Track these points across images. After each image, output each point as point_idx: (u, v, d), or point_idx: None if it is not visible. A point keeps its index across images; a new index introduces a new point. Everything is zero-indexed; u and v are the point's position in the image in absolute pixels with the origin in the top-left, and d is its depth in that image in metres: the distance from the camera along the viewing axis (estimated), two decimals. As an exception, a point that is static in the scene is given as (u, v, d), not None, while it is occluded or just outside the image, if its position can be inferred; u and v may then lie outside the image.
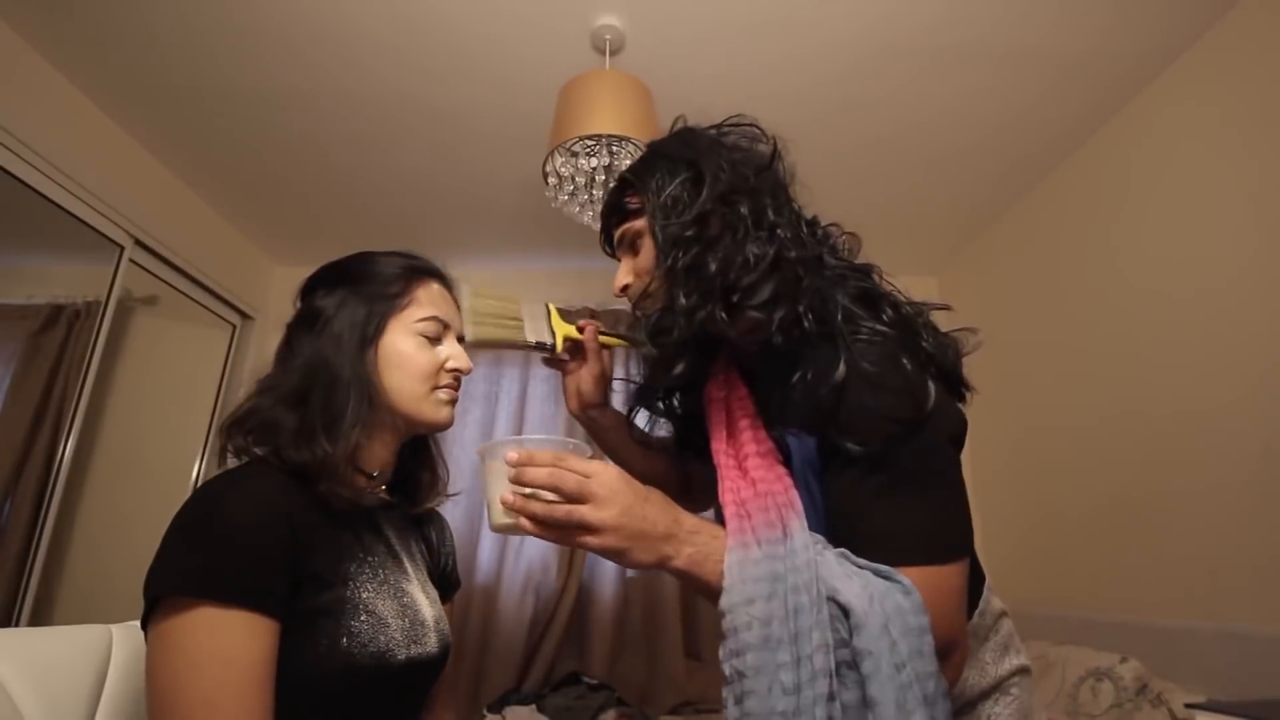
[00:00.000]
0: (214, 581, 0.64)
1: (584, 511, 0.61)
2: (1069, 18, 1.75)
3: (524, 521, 0.62)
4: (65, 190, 2.06)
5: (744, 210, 0.76)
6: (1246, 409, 1.65)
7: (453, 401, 0.87)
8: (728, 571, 0.64)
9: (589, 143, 1.65)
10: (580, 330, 0.95)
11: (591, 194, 1.75)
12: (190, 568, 0.65)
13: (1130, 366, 2.02)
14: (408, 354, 0.82)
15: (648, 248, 0.81)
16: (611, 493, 0.62)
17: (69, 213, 2.09)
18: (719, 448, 0.80)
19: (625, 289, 0.84)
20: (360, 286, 0.84)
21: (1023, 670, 0.79)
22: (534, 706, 2.48)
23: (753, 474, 0.74)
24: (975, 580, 0.77)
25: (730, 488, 0.74)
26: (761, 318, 0.73)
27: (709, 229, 0.76)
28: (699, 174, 0.78)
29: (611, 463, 0.65)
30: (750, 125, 0.83)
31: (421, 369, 0.83)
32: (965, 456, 0.73)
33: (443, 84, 2.05)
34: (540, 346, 0.92)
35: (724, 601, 0.63)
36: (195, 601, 0.63)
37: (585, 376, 0.95)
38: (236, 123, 2.24)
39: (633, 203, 0.83)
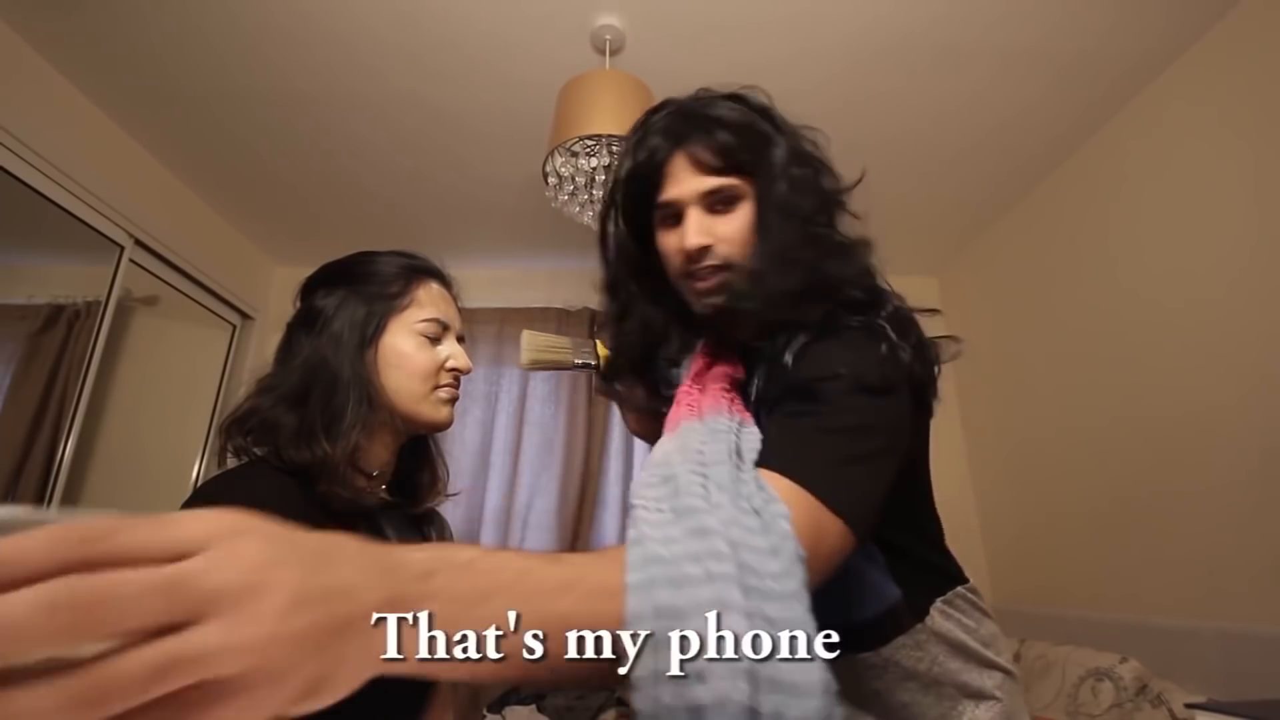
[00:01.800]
0: None
1: (208, 633, 0.26)
2: (1069, 18, 1.75)
3: None
4: (65, 190, 2.06)
5: (835, 206, 0.78)
6: (1247, 409, 1.65)
7: (453, 401, 0.86)
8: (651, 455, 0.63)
9: (589, 143, 1.65)
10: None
11: (591, 194, 1.75)
12: None
13: (1131, 366, 2.02)
14: (407, 354, 0.82)
15: (745, 210, 0.74)
16: (243, 555, 0.29)
17: (69, 213, 2.09)
18: (685, 387, 0.77)
19: (705, 250, 0.73)
20: (360, 286, 0.84)
21: (1006, 673, 0.76)
22: (534, 706, 2.48)
23: (711, 389, 0.73)
24: (948, 575, 0.78)
25: (686, 402, 0.72)
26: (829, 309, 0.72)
27: (824, 216, 0.77)
28: (804, 156, 0.77)
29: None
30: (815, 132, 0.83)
31: (421, 369, 0.83)
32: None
33: (443, 84, 2.05)
34: (586, 366, 0.96)
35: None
36: None
37: (638, 395, 0.94)
38: (236, 122, 2.24)
39: (746, 160, 0.74)
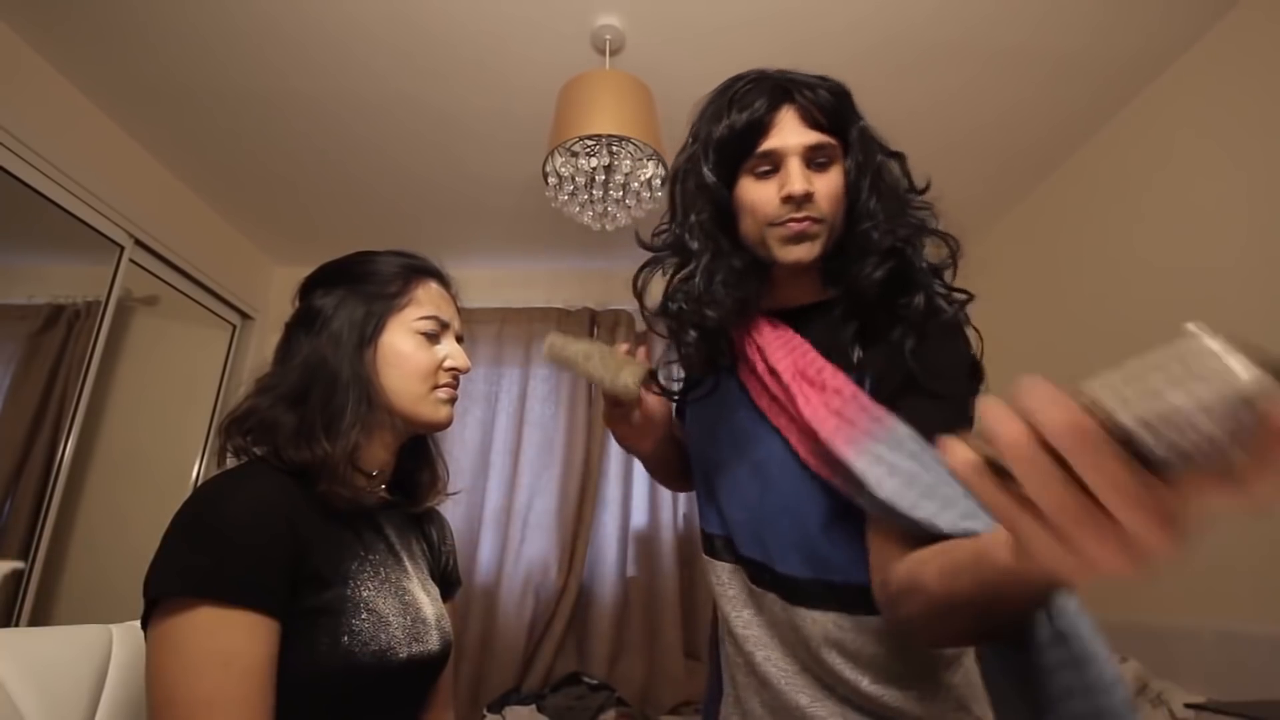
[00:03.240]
0: (213, 581, 0.64)
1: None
2: (1069, 16, 1.75)
3: None
4: (65, 190, 2.06)
5: (900, 174, 0.84)
6: (1246, 409, 1.65)
7: (452, 400, 0.86)
8: (864, 465, 0.66)
9: (589, 143, 1.65)
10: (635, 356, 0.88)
11: (591, 194, 1.75)
12: (190, 568, 0.65)
13: (1130, 366, 2.02)
14: (406, 353, 0.82)
15: (838, 174, 0.79)
16: None
17: (69, 213, 2.09)
18: (788, 367, 0.78)
19: (809, 196, 0.76)
20: (359, 286, 0.84)
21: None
22: (534, 706, 2.48)
23: (831, 385, 0.74)
24: None
25: (816, 401, 0.73)
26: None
27: (888, 181, 0.82)
28: (880, 138, 0.83)
29: None
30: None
31: (420, 368, 0.83)
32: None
33: (443, 84, 2.05)
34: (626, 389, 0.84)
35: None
36: (195, 601, 0.63)
37: (656, 402, 0.90)
38: (236, 123, 2.24)
39: (844, 128, 0.80)
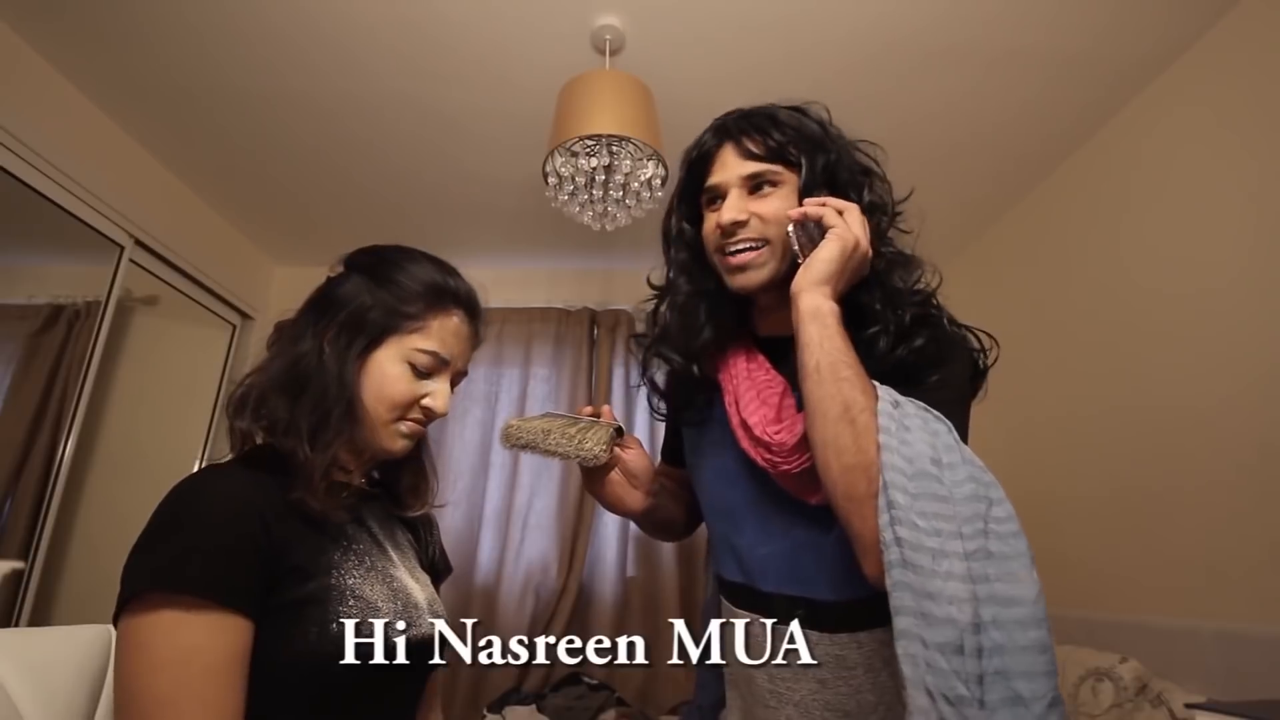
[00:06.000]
0: (179, 578, 0.63)
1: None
2: (1070, 18, 1.75)
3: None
4: (65, 190, 2.06)
5: (884, 221, 0.87)
6: (1246, 406, 1.65)
7: (413, 435, 0.83)
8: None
9: (589, 143, 1.65)
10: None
11: (591, 194, 1.75)
12: (157, 565, 0.64)
13: (1129, 365, 2.02)
14: (389, 376, 0.79)
15: (783, 197, 0.81)
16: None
17: (69, 213, 2.09)
18: (759, 420, 0.81)
19: (739, 224, 0.81)
20: (382, 290, 0.81)
21: None
22: (534, 706, 2.48)
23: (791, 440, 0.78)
24: None
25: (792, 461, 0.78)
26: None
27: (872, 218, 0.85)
28: (855, 162, 0.86)
29: None
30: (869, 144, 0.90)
31: (393, 397, 0.79)
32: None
33: (442, 85, 2.05)
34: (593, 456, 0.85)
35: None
36: (160, 599, 0.63)
37: (635, 457, 0.91)
38: (237, 123, 2.24)
39: (792, 152, 0.82)
